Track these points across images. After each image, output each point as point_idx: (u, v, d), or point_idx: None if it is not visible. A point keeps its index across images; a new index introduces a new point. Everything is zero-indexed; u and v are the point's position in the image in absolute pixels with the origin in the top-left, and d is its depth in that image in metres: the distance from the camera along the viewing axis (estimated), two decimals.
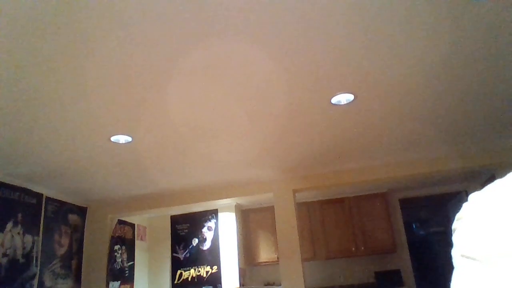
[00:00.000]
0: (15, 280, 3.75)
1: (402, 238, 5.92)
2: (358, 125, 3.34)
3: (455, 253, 0.48)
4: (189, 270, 5.72)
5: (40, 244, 4.16)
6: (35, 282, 4.03)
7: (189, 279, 5.68)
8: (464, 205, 0.50)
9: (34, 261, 4.04)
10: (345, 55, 2.27)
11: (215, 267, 5.62)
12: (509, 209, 0.43)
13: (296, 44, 2.13)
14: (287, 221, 4.66)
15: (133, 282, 5.53)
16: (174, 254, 5.88)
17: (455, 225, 0.50)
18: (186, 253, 5.81)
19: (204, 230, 5.83)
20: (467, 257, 0.45)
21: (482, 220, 0.45)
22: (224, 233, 5.73)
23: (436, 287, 6.40)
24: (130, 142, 3.26)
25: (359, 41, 2.15)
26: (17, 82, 2.25)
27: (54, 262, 4.36)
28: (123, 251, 5.37)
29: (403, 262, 5.81)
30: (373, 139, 3.73)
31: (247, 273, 5.87)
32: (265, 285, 5.96)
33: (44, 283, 4.15)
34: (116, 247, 5.21)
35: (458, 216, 0.50)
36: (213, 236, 5.76)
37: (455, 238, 0.49)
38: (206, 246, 5.76)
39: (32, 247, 4.03)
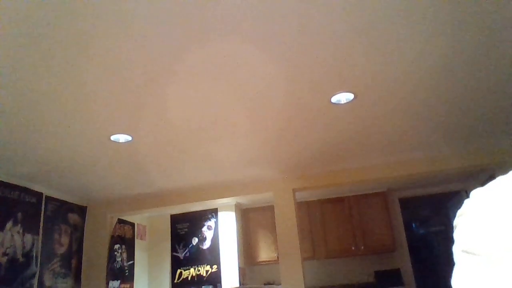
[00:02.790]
0: (15, 279, 3.75)
1: (402, 237, 5.91)
2: (358, 124, 3.34)
3: (456, 249, 0.48)
4: (189, 269, 5.73)
5: (40, 243, 4.16)
6: (35, 281, 4.03)
7: (189, 278, 5.69)
8: (466, 201, 0.50)
9: (34, 260, 4.04)
10: (345, 55, 2.27)
11: (215, 266, 5.62)
12: (510, 205, 0.43)
13: (296, 44, 2.13)
14: (287, 220, 4.66)
15: (133, 281, 5.53)
16: (174, 253, 5.88)
17: (456, 221, 0.50)
18: (186, 252, 5.81)
19: (204, 229, 5.83)
20: (468, 252, 0.45)
21: (483, 216, 0.45)
22: (224, 232, 5.73)
23: (436, 286, 6.40)
24: (130, 141, 3.25)
25: (359, 41, 2.15)
26: (17, 81, 2.25)
27: (54, 261, 4.36)
28: (123, 250, 5.37)
29: (403, 261, 5.81)
30: (373, 139, 3.73)
31: (247, 272, 5.87)
32: (265, 284, 5.96)
33: (44, 282, 4.15)
34: (116, 246, 5.21)
35: (459, 212, 0.50)
36: (213, 235, 5.76)
37: (456, 234, 0.49)
38: (206, 245, 5.76)
39: (32, 246, 4.03)
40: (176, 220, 6.02)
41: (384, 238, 5.69)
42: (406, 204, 6.20)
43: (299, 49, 2.18)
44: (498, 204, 0.45)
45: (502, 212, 0.43)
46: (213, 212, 5.83)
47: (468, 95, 2.95)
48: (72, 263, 4.68)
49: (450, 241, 0.51)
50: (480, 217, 0.46)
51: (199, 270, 5.68)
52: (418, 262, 6.42)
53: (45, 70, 2.17)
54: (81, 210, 4.97)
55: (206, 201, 5.06)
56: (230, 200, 5.36)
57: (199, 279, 5.64)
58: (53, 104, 2.55)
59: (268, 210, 5.92)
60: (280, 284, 4.61)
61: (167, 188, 4.79)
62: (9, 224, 3.76)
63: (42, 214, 4.25)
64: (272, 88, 2.61)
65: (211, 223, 5.82)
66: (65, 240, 4.60)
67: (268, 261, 5.86)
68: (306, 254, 5.77)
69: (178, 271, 5.77)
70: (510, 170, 0.49)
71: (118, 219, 5.33)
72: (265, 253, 5.90)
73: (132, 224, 5.74)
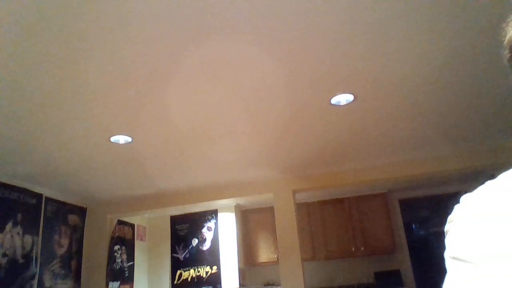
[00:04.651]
0: (14, 280, 3.75)
1: (402, 238, 5.91)
2: (358, 125, 3.34)
3: (447, 255, 0.48)
4: (189, 270, 5.72)
5: (40, 244, 4.16)
6: (35, 282, 4.02)
7: (189, 279, 5.68)
8: (456, 207, 0.50)
9: (34, 261, 4.03)
10: (345, 55, 2.27)
11: (214, 268, 5.61)
12: (499, 210, 0.43)
13: (296, 44, 2.13)
14: (287, 221, 4.66)
15: (133, 282, 5.52)
16: (174, 255, 5.87)
17: (447, 227, 0.50)
18: (186, 254, 5.81)
19: (204, 230, 5.83)
20: (458, 259, 0.45)
21: (473, 222, 0.45)
22: (224, 234, 5.73)
23: (436, 287, 6.40)
24: (130, 142, 3.25)
25: (359, 42, 2.15)
26: (17, 82, 2.25)
27: (54, 262, 4.36)
28: (123, 251, 5.37)
29: (403, 262, 5.81)
30: (373, 139, 3.73)
31: (247, 273, 5.87)
32: (265, 285, 5.95)
33: (43, 283, 4.15)
34: (116, 247, 5.20)
35: (449, 218, 0.50)
36: (213, 237, 5.76)
37: (447, 241, 0.49)
38: (206, 246, 5.75)
39: (32, 247, 4.03)
40: (176, 221, 6.01)
41: (384, 239, 5.69)
42: (406, 205, 6.20)
43: (299, 50, 2.18)
44: (487, 209, 0.44)
45: (490, 218, 0.43)
46: (213, 213, 5.83)
47: (468, 96, 2.95)
48: (72, 264, 4.68)
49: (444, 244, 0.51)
50: (469, 223, 0.46)
51: (199, 271, 5.67)
52: (418, 263, 6.41)
53: (45, 72, 2.17)
54: (81, 211, 4.97)
55: (206, 202, 5.06)
56: (230, 201, 5.35)
57: (199, 280, 5.64)
58: (52, 105, 2.55)
59: (268, 211, 5.92)
60: (280, 285, 4.60)
61: (167, 189, 4.79)
62: (9, 225, 3.76)
63: (42, 215, 4.24)
64: (272, 89, 2.61)
65: (211, 224, 5.82)
66: (65, 241, 4.59)
67: (268, 262, 5.86)
68: (306, 255, 5.76)
69: (178, 272, 5.77)
70: (508, 170, 0.49)
71: (118, 220, 5.33)
72: (265, 254, 5.90)
73: (132, 225, 5.73)
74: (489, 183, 0.47)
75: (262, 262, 5.89)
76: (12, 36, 1.87)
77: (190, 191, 4.99)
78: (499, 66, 2.53)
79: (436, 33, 2.12)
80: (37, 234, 4.13)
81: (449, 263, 0.47)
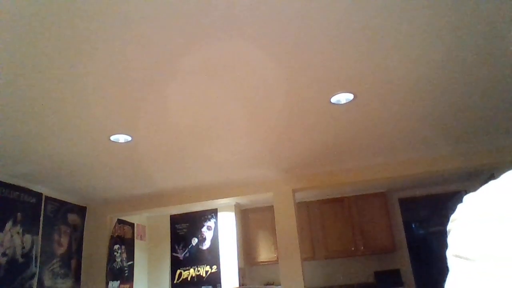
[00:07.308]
0: (14, 279, 3.75)
1: (402, 237, 5.92)
2: (358, 124, 3.34)
3: (449, 253, 0.48)
4: (189, 269, 5.72)
5: (40, 244, 4.16)
6: (35, 281, 4.02)
7: (189, 278, 5.68)
8: (459, 206, 0.50)
9: (34, 261, 4.03)
10: (345, 55, 2.27)
11: (214, 267, 5.61)
12: (502, 211, 0.43)
13: (295, 44, 2.13)
14: (287, 220, 4.66)
15: (133, 281, 5.52)
16: (174, 254, 5.88)
17: (449, 226, 0.50)
18: (186, 253, 5.81)
19: (204, 229, 5.83)
20: (460, 257, 0.45)
21: (476, 221, 0.45)
22: (223, 233, 5.73)
23: (436, 286, 6.41)
24: (129, 141, 3.25)
25: (359, 41, 2.15)
26: (17, 81, 2.25)
27: (54, 261, 4.36)
28: (123, 250, 5.37)
29: (403, 261, 5.81)
30: (373, 138, 3.73)
31: (247, 272, 5.87)
32: (265, 284, 5.95)
33: (43, 282, 4.15)
34: (116, 246, 5.20)
35: (452, 217, 0.50)
36: (213, 236, 5.76)
37: (449, 239, 0.49)
38: (206, 245, 5.75)
39: (32, 247, 4.02)
40: (175, 220, 6.01)
41: (384, 238, 5.69)
42: (406, 204, 6.20)
43: (299, 49, 2.18)
44: (491, 209, 0.45)
45: (494, 218, 0.44)
46: (213, 213, 5.83)
47: (468, 95, 2.95)
48: (72, 263, 4.68)
49: (447, 243, 0.51)
50: (472, 222, 0.46)
51: (198, 271, 5.67)
52: (417, 262, 6.42)
53: (45, 71, 2.17)
54: (81, 211, 4.97)
55: (206, 201, 5.06)
56: (229, 201, 5.35)
57: (198, 279, 5.64)
58: (53, 104, 2.55)
59: (268, 210, 5.92)
60: (279, 284, 4.60)
61: (167, 189, 4.79)
62: (8, 225, 3.76)
63: (41, 215, 4.24)
64: (272, 88, 2.61)
65: (211, 223, 5.82)
66: (64, 240, 4.59)
67: (268, 261, 5.86)
68: (306, 255, 5.77)
69: (178, 271, 5.77)
70: (510, 170, 0.49)
71: (118, 219, 5.33)
72: (264, 254, 5.90)
73: (132, 225, 5.73)
74: (492, 183, 0.48)
75: (262, 262, 5.90)
76: (13, 37, 1.86)
77: (190, 190, 4.99)
78: (499, 65, 2.53)
79: (436, 32, 2.12)
80: (37, 234, 4.13)
81: (451, 261, 0.47)
